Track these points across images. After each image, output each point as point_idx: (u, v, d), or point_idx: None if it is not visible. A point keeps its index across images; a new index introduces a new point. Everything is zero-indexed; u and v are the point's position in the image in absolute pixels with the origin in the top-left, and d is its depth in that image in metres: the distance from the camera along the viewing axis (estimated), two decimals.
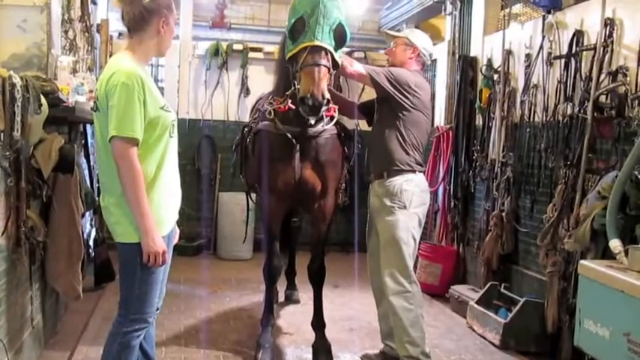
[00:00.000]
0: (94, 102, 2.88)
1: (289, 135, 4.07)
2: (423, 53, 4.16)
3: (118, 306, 2.96)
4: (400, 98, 3.94)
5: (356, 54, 8.05)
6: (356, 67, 4.04)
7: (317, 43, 3.71)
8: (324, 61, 3.71)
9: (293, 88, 3.84)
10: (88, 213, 5.19)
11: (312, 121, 3.97)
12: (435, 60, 7.18)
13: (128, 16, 2.87)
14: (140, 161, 2.73)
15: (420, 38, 4.23)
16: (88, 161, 5.70)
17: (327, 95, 3.69)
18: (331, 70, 3.79)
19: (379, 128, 4.10)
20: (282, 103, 3.95)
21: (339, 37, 3.82)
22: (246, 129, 4.67)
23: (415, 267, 4.18)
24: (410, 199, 3.96)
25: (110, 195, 2.86)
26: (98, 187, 6.35)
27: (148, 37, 2.89)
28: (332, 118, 4.18)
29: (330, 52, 3.76)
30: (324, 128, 4.15)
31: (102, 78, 2.79)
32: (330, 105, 3.92)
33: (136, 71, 2.75)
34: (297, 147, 4.09)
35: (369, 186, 4.21)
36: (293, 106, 3.85)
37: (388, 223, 3.98)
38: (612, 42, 4.15)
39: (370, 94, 4.25)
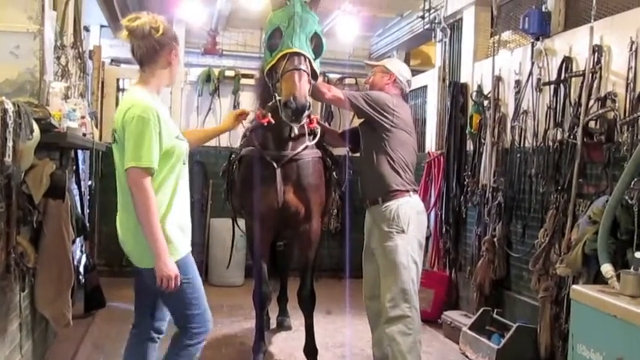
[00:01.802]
0: (113, 134, 2.99)
1: (268, 158, 4.09)
2: (399, 79, 4.22)
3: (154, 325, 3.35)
4: (380, 119, 3.97)
5: (347, 80, 8.11)
6: (334, 92, 4.09)
7: (295, 49, 3.74)
8: (303, 66, 3.73)
9: (274, 100, 3.85)
10: (78, 239, 5.15)
11: (296, 130, 3.99)
12: (426, 86, 7.26)
13: (140, 50, 2.95)
14: (155, 191, 2.84)
15: (397, 65, 4.33)
16: (79, 187, 5.68)
17: (309, 99, 3.70)
18: (310, 77, 3.81)
19: (367, 153, 4.12)
20: (264, 114, 3.97)
21: (316, 46, 3.87)
22: (233, 155, 4.68)
23: None
24: (407, 223, 3.95)
25: (128, 223, 2.96)
26: (89, 214, 6.35)
27: (159, 68, 3.00)
28: (314, 136, 4.20)
29: (309, 59, 3.79)
30: (306, 145, 4.16)
31: (119, 111, 2.91)
32: (312, 116, 3.95)
33: (151, 104, 2.85)
34: (279, 170, 4.10)
35: (366, 211, 4.21)
36: (273, 120, 3.87)
37: (387, 248, 3.96)
38: (600, 68, 4.20)
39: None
